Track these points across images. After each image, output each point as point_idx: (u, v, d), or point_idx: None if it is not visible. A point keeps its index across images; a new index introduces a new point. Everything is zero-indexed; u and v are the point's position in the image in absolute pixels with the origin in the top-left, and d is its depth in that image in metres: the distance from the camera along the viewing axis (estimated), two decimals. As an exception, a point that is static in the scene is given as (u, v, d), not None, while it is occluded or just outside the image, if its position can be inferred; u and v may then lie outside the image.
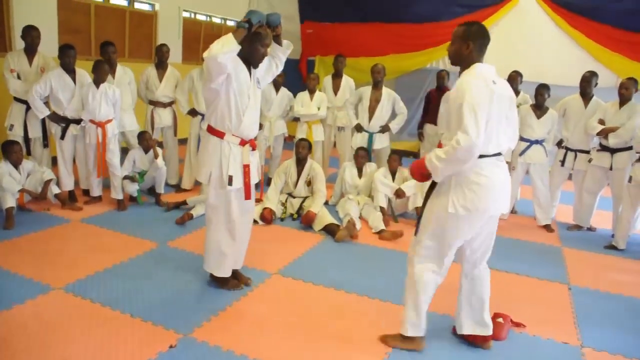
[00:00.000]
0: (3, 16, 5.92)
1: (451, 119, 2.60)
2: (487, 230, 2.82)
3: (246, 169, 3.30)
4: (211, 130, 3.28)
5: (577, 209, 5.53)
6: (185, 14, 8.60)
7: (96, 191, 5.21)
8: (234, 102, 3.18)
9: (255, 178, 3.44)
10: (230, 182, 3.24)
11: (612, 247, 4.93)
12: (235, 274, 3.61)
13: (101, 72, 4.81)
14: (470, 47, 2.62)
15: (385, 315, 3.32)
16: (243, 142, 3.30)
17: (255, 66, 3.28)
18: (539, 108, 5.30)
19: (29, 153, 5.13)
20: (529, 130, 5.28)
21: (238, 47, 2.98)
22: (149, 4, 7.91)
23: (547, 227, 5.41)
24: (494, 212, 2.72)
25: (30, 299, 3.19)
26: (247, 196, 3.38)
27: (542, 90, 5.23)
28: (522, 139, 5.35)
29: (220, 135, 3.24)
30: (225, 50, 2.92)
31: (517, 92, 5.68)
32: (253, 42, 3.15)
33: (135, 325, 2.99)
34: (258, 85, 3.34)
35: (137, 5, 7.71)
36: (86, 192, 5.35)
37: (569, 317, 3.49)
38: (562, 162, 5.48)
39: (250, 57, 3.21)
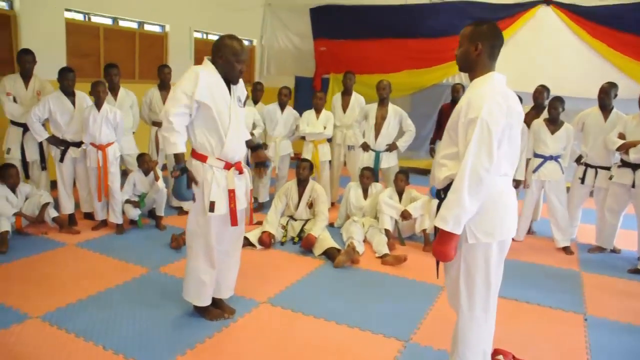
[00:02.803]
0: (11, 40, 5.99)
1: (455, 133, 2.29)
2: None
3: (231, 194, 3.13)
4: (194, 154, 3.14)
5: (599, 229, 5.16)
6: (197, 35, 8.61)
7: (100, 215, 5.09)
8: (213, 124, 3.03)
9: (243, 203, 3.27)
10: (212, 209, 3.08)
11: (637, 272, 4.54)
12: (220, 303, 3.43)
13: (96, 93, 4.73)
14: (479, 48, 2.28)
15: (373, 350, 3.07)
16: (228, 166, 3.13)
17: (235, 82, 3.13)
18: (553, 122, 4.99)
19: (27, 176, 5.12)
20: (542, 146, 4.98)
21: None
22: (160, 25, 7.94)
23: (566, 250, 5.05)
24: (514, 232, 2.39)
25: (3, 329, 3.06)
26: (234, 222, 3.19)
27: (555, 104, 4.93)
28: (535, 155, 5.08)
29: (202, 159, 3.09)
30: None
31: (542, 107, 5.36)
32: (228, 58, 3.01)
33: (105, 359, 2.83)
34: (239, 104, 3.18)
35: (147, 27, 7.74)
36: (87, 216, 5.28)
37: (581, 353, 3.15)
38: (582, 180, 5.14)
39: (227, 74, 3.06)
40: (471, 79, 2.38)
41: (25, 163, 5.07)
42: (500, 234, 2.31)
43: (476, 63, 2.34)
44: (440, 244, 2.25)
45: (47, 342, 2.96)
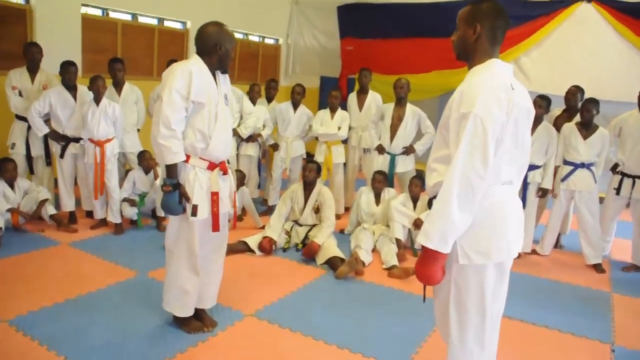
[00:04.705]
0: (26, 35, 5.92)
1: (448, 131, 1.91)
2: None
3: (214, 197, 2.89)
4: None
5: (635, 245, 4.64)
6: (220, 32, 8.41)
7: (99, 213, 4.91)
8: (200, 122, 2.80)
9: (227, 205, 3.01)
10: (194, 213, 2.83)
11: (678, 296, 4.04)
12: (201, 315, 3.15)
13: (94, 88, 4.56)
14: (477, 31, 1.93)
15: (361, 376, 2.73)
16: (212, 166, 2.90)
17: (226, 70, 2.95)
18: (586, 126, 4.51)
19: (31, 172, 5.00)
20: (573, 153, 4.52)
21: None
22: (181, 22, 7.78)
23: (597, 267, 4.56)
24: (516, 252, 2.01)
25: (-35, 334, 2.88)
26: (215, 228, 2.95)
27: (589, 106, 4.45)
28: (565, 162, 4.62)
29: (185, 158, 2.84)
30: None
31: (575, 110, 4.90)
32: (227, 48, 2.84)
33: (63, 372, 2.60)
34: (225, 102, 2.95)
35: (167, 24, 7.59)
36: (88, 214, 5.12)
37: (604, 390, 2.73)
38: (618, 190, 4.63)
39: (223, 65, 2.90)
40: (470, 68, 2.02)
41: (30, 158, 4.95)
42: (498, 255, 1.93)
43: (475, 49, 1.98)
44: (423, 264, 1.89)
45: (6, 350, 2.75)
